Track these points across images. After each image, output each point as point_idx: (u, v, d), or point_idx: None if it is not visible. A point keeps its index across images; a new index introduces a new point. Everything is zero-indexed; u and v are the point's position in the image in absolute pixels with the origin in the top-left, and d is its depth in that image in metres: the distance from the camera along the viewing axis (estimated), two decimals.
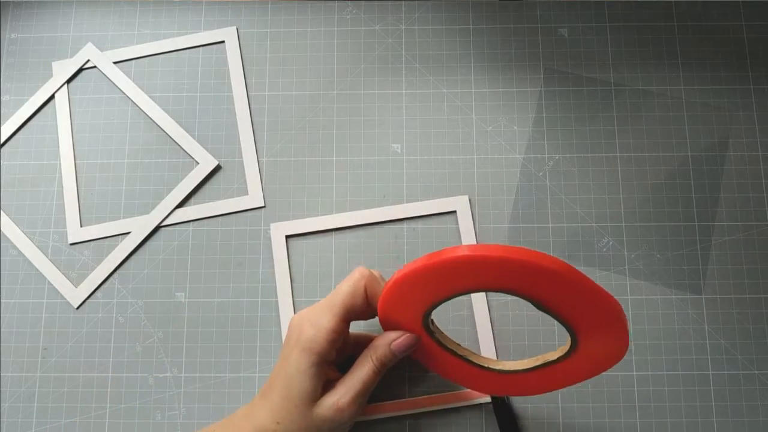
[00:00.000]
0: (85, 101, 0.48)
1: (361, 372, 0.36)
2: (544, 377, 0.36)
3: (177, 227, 0.46)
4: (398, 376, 0.43)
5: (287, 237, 0.45)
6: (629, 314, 0.44)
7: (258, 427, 0.35)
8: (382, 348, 0.36)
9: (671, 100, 0.47)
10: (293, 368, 0.35)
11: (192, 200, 0.46)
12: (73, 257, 0.46)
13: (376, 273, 0.37)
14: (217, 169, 0.47)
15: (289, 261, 0.45)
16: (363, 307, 0.36)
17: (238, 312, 0.44)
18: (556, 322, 0.43)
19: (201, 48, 0.49)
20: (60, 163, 0.47)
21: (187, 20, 0.49)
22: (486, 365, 0.37)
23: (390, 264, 0.45)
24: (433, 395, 0.42)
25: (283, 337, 0.43)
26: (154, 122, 0.48)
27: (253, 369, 0.43)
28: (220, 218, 0.46)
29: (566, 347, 0.34)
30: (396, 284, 0.34)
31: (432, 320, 0.37)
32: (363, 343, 0.38)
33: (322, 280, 0.45)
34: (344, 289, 0.36)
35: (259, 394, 0.37)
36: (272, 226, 0.45)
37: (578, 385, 0.42)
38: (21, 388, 0.44)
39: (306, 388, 0.35)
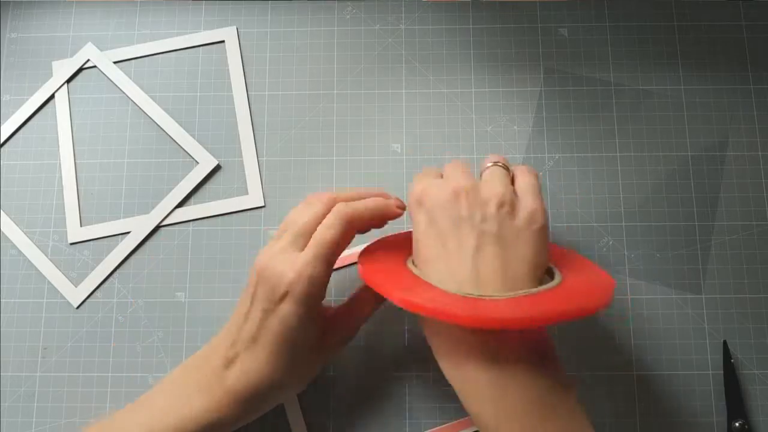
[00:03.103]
0: (85, 101, 0.48)
1: (361, 306, 0.38)
2: (528, 306, 0.32)
3: (177, 227, 0.46)
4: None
5: None
6: (629, 314, 0.44)
7: (275, 384, 0.34)
8: (367, 306, 0.38)
9: (671, 100, 0.47)
10: (293, 321, 0.33)
11: (192, 200, 0.46)
12: (73, 257, 0.46)
13: (347, 196, 0.38)
14: (217, 168, 0.47)
15: None
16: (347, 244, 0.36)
17: None
18: None
19: (201, 48, 0.49)
20: (60, 163, 0.47)
21: (187, 20, 0.49)
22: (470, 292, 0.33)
23: None
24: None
25: None
26: (154, 122, 0.48)
27: None
28: (219, 218, 0.46)
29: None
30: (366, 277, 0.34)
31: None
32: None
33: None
34: (329, 237, 0.34)
35: (241, 349, 0.35)
36: None
37: (578, 385, 0.42)
38: (21, 387, 0.44)
39: (312, 337, 0.35)
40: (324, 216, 0.36)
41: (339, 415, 0.43)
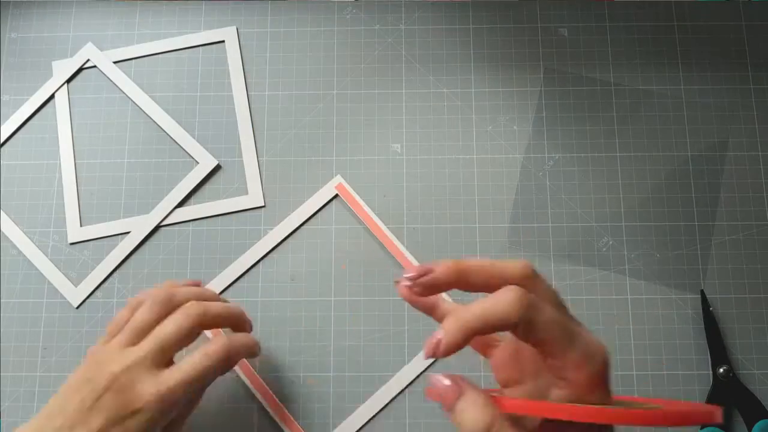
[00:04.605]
0: (85, 101, 0.48)
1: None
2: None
3: (177, 227, 0.46)
4: None
5: None
6: (629, 314, 0.44)
7: None
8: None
9: (671, 100, 0.47)
10: None
11: (192, 200, 0.46)
12: (73, 257, 0.46)
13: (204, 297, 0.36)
14: (217, 168, 0.47)
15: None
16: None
17: None
18: None
19: (201, 48, 0.49)
20: (60, 163, 0.47)
21: (187, 20, 0.49)
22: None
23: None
24: None
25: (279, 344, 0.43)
26: (154, 122, 0.48)
27: (254, 369, 0.43)
28: (219, 218, 0.46)
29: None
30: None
31: None
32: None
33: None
34: (200, 366, 0.33)
35: None
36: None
37: None
38: (21, 387, 0.44)
39: None
40: (184, 324, 0.34)
41: (339, 415, 0.43)
